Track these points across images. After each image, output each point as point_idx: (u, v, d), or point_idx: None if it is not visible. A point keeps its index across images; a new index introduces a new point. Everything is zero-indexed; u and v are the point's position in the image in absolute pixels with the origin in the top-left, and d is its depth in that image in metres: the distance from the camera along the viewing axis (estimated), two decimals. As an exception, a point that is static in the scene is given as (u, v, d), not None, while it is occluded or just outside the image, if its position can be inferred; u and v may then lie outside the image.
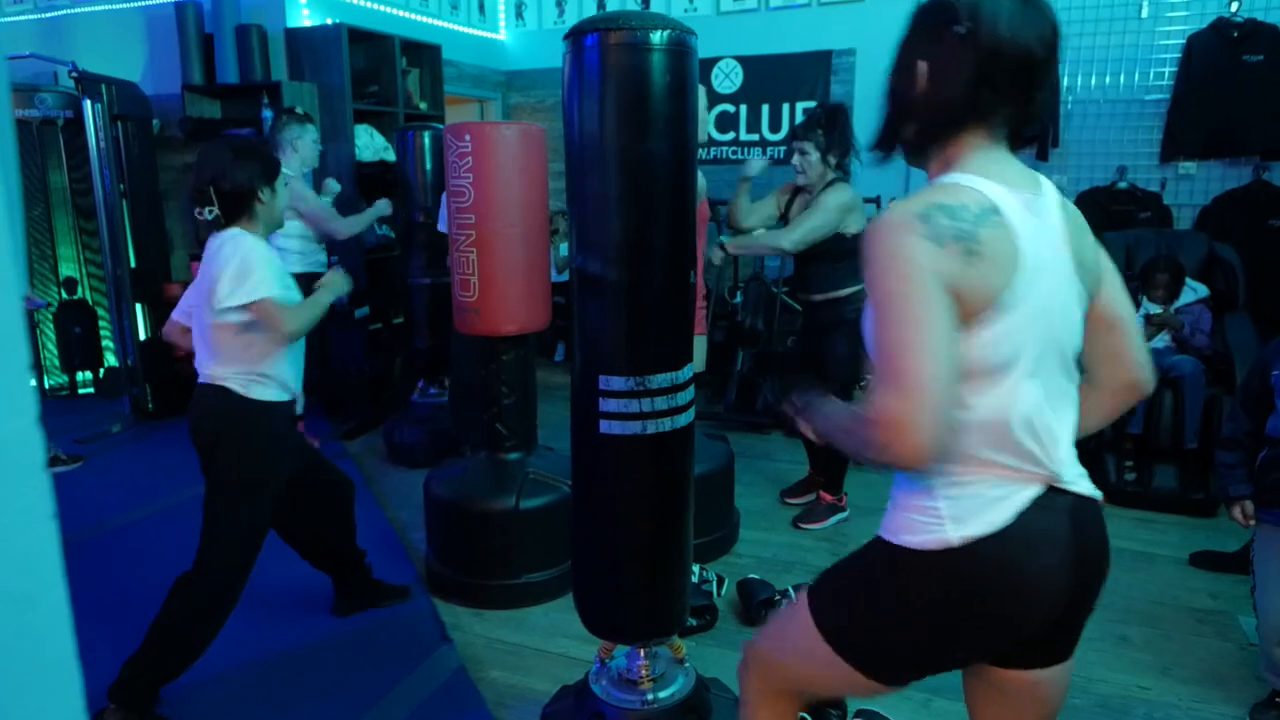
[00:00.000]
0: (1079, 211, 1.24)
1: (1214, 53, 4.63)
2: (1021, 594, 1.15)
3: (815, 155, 3.12)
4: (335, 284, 2.35)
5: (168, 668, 2.16)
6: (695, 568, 2.87)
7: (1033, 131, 4.96)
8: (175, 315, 2.30)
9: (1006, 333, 1.10)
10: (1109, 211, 4.84)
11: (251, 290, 2.05)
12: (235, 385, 2.16)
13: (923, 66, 1.14)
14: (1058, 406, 1.17)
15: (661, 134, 1.66)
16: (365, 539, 2.78)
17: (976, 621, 1.17)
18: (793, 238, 3.09)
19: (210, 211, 2.13)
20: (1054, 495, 1.16)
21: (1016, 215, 1.11)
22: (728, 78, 5.83)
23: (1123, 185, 4.91)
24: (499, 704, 2.32)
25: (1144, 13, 4.91)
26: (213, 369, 2.18)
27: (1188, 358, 3.68)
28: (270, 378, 2.20)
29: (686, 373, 1.78)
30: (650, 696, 1.90)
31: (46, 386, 5.22)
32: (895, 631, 1.21)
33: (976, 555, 1.13)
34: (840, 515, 3.45)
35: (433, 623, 2.70)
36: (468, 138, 2.53)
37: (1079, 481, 1.19)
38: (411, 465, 3.95)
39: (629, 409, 1.71)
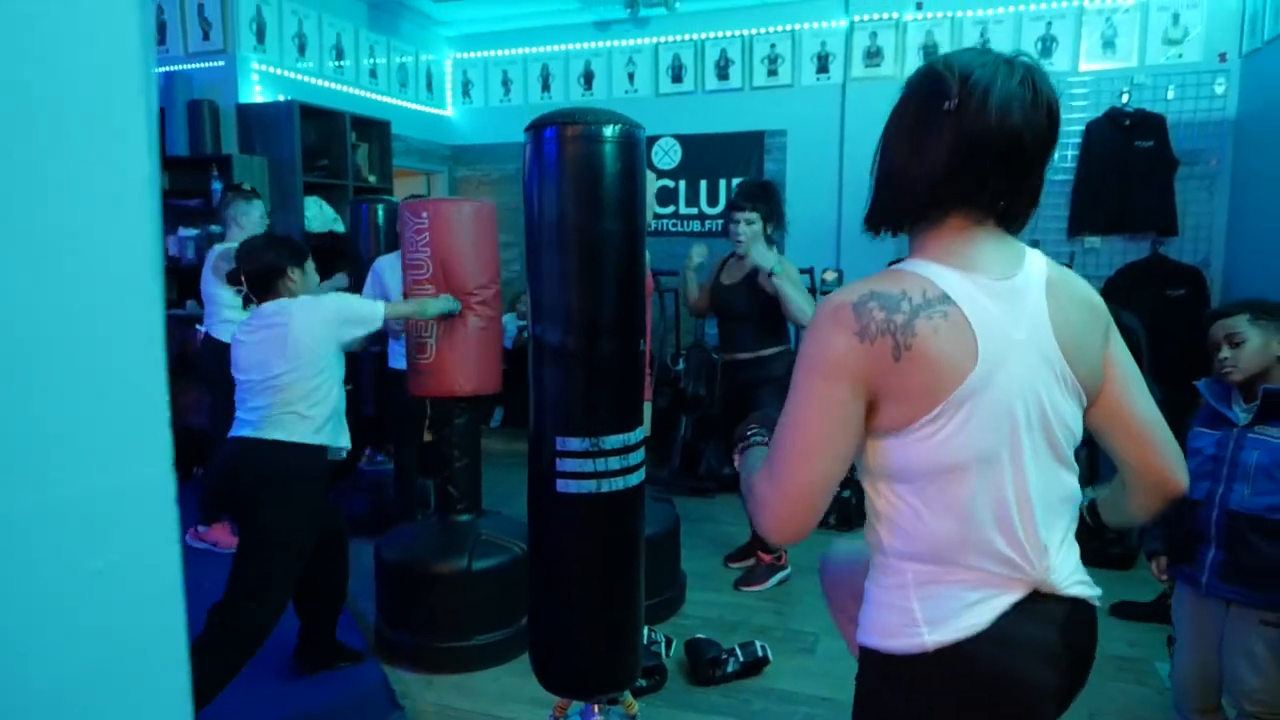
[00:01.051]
0: (1090, 295, 1.15)
1: (1109, 139, 5.04)
2: (1003, 703, 1.09)
3: (759, 224, 3.32)
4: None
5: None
6: (644, 629, 2.94)
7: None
8: None
9: (963, 428, 1.03)
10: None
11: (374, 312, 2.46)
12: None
13: (905, 140, 1.09)
14: (1044, 505, 1.09)
15: (613, 215, 1.82)
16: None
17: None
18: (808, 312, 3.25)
19: (240, 290, 2.49)
20: (1041, 601, 1.10)
21: (973, 302, 1.04)
22: (667, 154, 6.10)
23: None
24: (453, 771, 2.34)
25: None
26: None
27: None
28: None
29: (638, 434, 1.90)
30: (604, 751, 1.96)
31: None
32: None
33: (952, 661, 1.07)
34: (781, 573, 3.56)
35: (383, 690, 2.70)
36: (425, 214, 2.66)
37: (1073, 585, 1.13)
38: (357, 533, 3.93)
39: (584, 468, 1.82)
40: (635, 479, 1.89)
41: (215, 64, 4.75)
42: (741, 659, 2.78)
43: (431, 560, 2.78)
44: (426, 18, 6.08)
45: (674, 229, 6.11)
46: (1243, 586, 1.93)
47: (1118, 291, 5.02)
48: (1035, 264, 1.11)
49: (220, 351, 3.16)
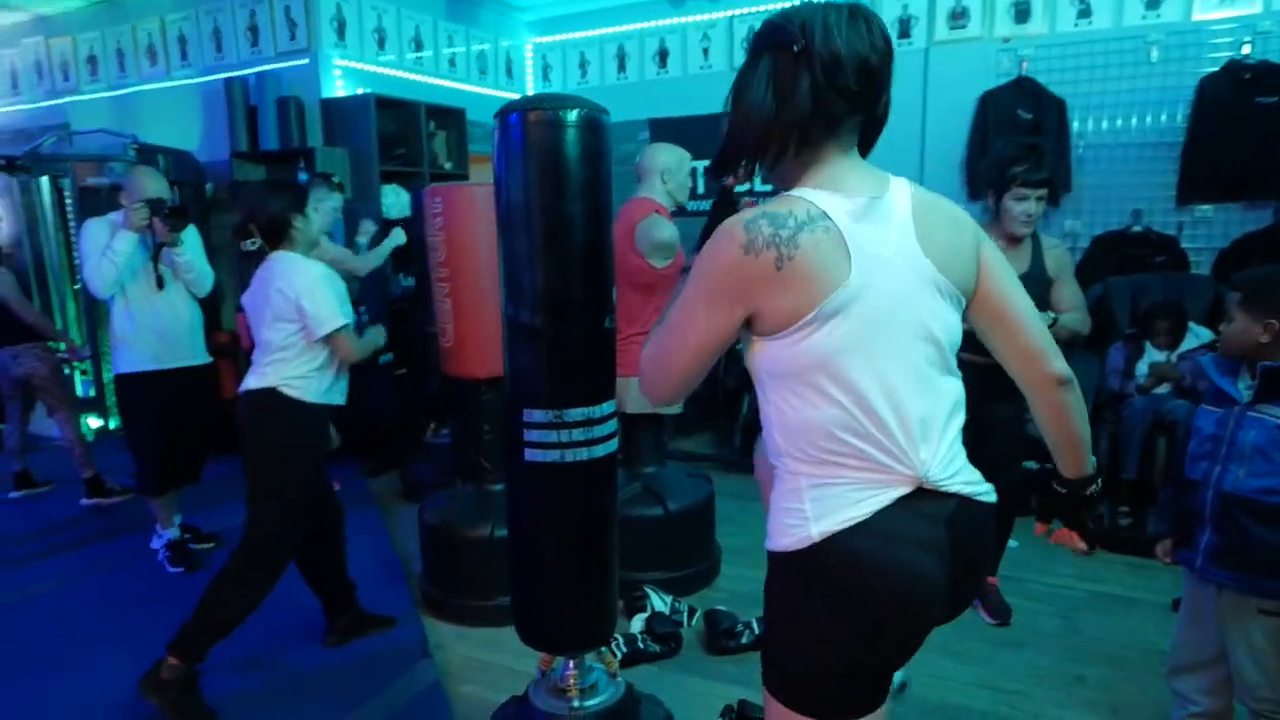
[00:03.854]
0: (954, 211, 1.27)
1: (1226, 95, 4.64)
2: (885, 591, 1.15)
3: None
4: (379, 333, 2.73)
5: (216, 636, 2.46)
6: (668, 598, 3.03)
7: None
8: None
9: (836, 333, 1.14)
10: (1123, 255, 4.84)
11: (325, 323, 2.46)
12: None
13: (763, 89, 1.18)
14: (924, 405, 1.19)
15: (576, 197, 1.89)
16: (373, 564, 3.03)
17: (854, 622, 1.17)
18: None
19: (253, 243, 2.55)
20: (925, 497, 1.19)
21: (847, 220, 1.16)
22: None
23: (1137, 229, 4.91)
24: (467, 716, 2.50)
25: (1154, 56, 4.97)
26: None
27: (1184, 402, 3.67)
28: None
29: (605, 408, 1.98)
30: (577, 704, 2.07)
31: (111, 427, 5.66)
32: (804, 648, 1.21)
33: (834, 550, 1.16)
34: None
35: (418, 640, 2.91)
36: (438, 200, 2.80)
37: (958, 484, 1.21)
38: (419, 501, 4.19)
39: (548, 439, 1.91)
40: (602, 450, 1.97)
41: (300, 62, 5.08)
42: (757, 631, 2.82)
43: (460, 525, 2.96)
44: (505, 4, 6.26)
45: (740, 206, 6.06)
46: (1234, 571, 1.83)
47: (1231, 264, 4.64)
48: (899, 187, 1.23)
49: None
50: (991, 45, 5.17)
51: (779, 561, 1.23)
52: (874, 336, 1.16)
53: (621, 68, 6.34)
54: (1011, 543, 3.73)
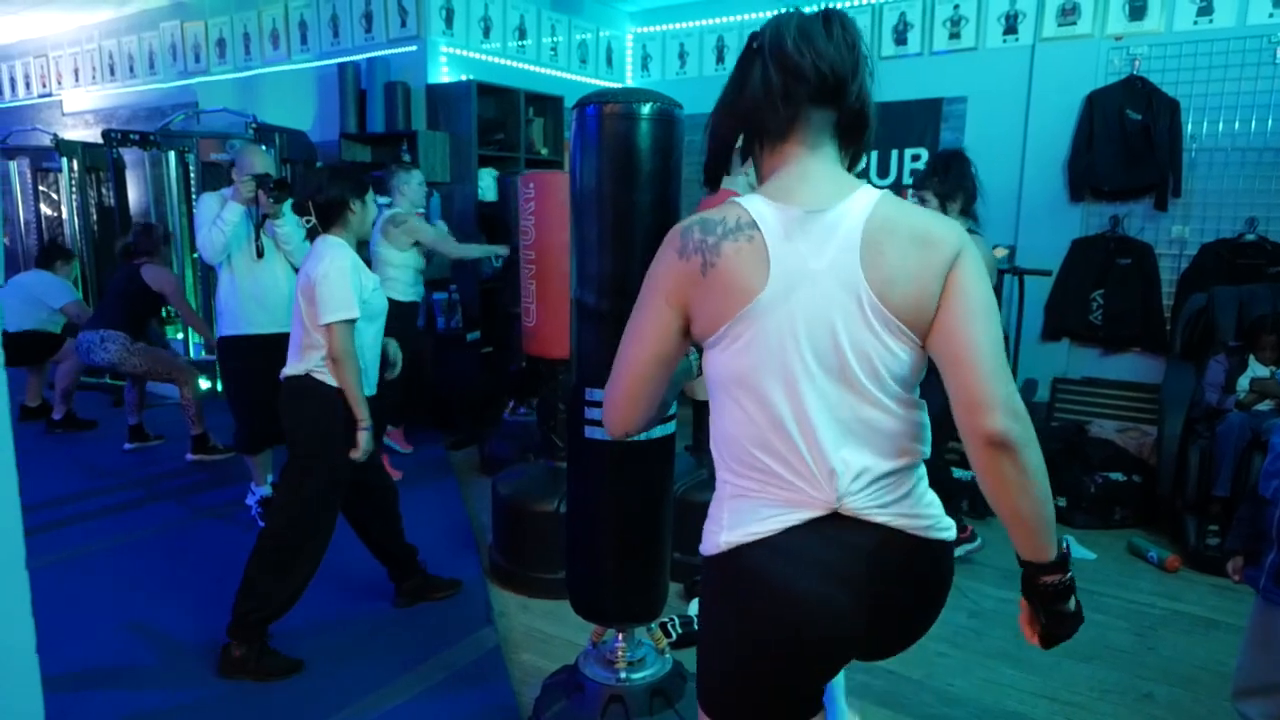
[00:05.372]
0: (926, 230, 1.14)
1: None
2: (770, 607, 1.14)
3: (935, 202, 3.21)
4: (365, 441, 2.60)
5: (265, 611, 2.56)
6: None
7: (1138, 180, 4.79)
8: None
9: (748, 345, 1.14)
10: (1233, 265, 4.62)
11: (328, 311, 2.48)
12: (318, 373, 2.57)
13: (730, 90, 1.23)
14: (832, 429, 1.14)
15: (644, 186, 1.96)
16: (446, 532, 3.18)
17: (739, 631, 1.17)
18: None
19: (308, 221, 2.61)
20: (842, 523, 1.15)
21: (777, 231, 1.13)
22: (837, 125, 6.00)
23: (1251, 237, 4.67)
24: (523, 681, 2.62)
25: (1279, 57, 4.70)
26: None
27: (1286, 419, 3.51)
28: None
29: (664, 392, 2.04)
30: (623, 675, 2.15)
31: (219, 389, 6.06)
32: (711, 655, 1.24)
33: (736, 560, 1.17)
34: (968, 545, 3.51)
35: (483, 607, 3.05)
36: (531, 185, 2.91)
37: (889, 516, 1.16)
38: (495, 475, 4.36)
39: (606, 418, 1.99)
40: (659, 431, 2.04)
41: (409, 49, 5.31)
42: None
43: (529, 499, 3.09)
44: (608, -5, 6.37)
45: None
46: (1299, 595, 1.77)
47: None
48: (861, 200, 1.15)
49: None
50: (1102, 43, 4.97)
51: (703, 568, 1.27)
52: (790, 353, 1.13)
53: (720, 59, 6.36)
54: (1090, 554, 3.64)
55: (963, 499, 3.95)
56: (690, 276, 1.16)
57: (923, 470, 1.23)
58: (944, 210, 3.19)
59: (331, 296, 2.47)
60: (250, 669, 2.54)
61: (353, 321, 2.52)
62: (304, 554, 2.59)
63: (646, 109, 1.93)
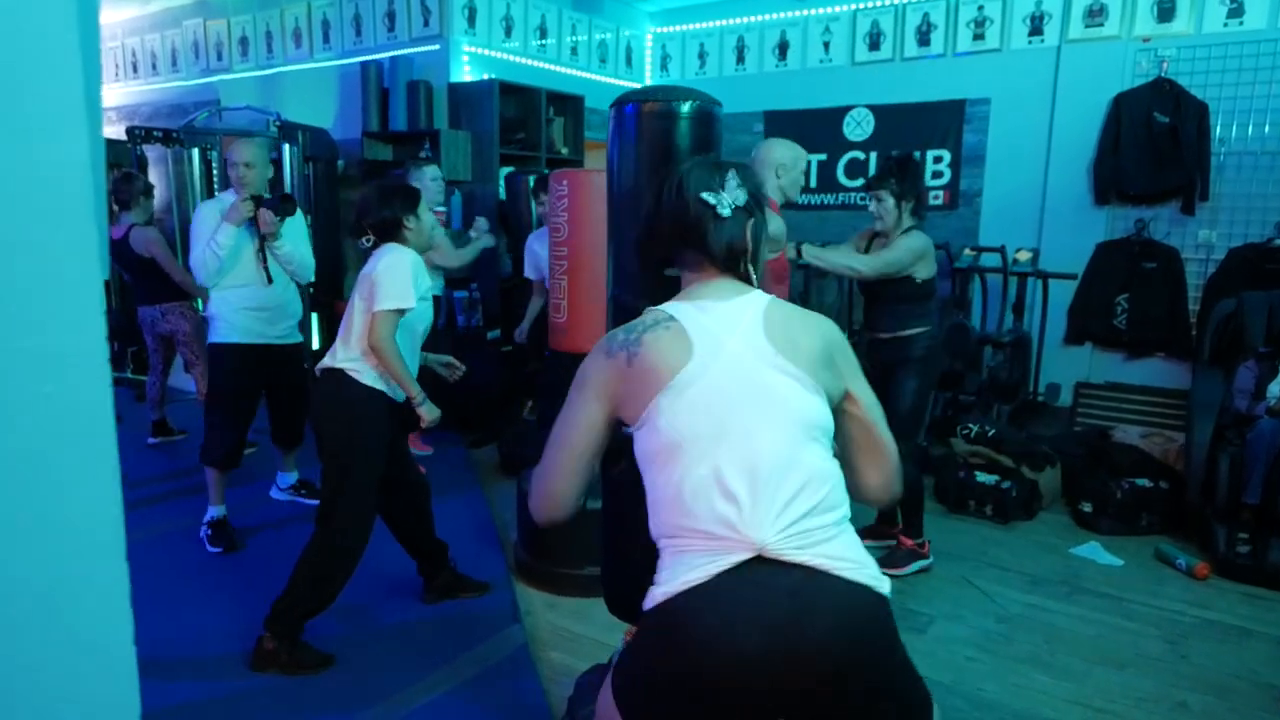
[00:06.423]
0: (821, 324, 1.41)
1: None
2: (698, 652, 1.18)
3: (891, 201, 3.30)
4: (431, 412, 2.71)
5: (307, 607, 2.59)
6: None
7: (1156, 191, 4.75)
8: None
9: (680, 411, 1.28)
10: (1260, 270, 4.58)
11: (385, 299, 2.50)
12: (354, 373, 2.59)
13: (650, 213, 1.49)
14: (766, 474, 1.24)
15: (684, 185, 1.94)
16: (470, 531, 3.19)
17: (673, 685, 1.21)
18: (870, 264, 3.28)
19: (368, 240, 2.65)
20: (764, 565, 1.21)
21: (692, 318, 1.35)
22: (859, 125, 5.99)
23: (1279, 243, 4.64)
24: (552, 679, 2.62)
25: (1310, 59, 4.66)
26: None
27: (1316, 427, 3.47)
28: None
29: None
30: (656, 676, 2.14)
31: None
32: (639, 707, 1.28)
33: (665, 609, 1.24)
34: (922, 562, 3.43)
35: (510, 606, 3.05)
36: (565, 183, 2.91)
37: (809, 556, 1.21)
38: (515, 474, 4.36)
39: (642, 418, 1.98)
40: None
41: (432, 48, 5.32)
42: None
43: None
44: (629, -6, 6.37)
45: (862, 202, 6.00)
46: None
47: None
48: (756, 298, 1.40)
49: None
50: (1130, 45, 4.94)
51: (639, 621, 1.33)
52: (721, 410, 1.27)
53: (740, 59, 6.35)
54: (1117, 561, 3.60)
55: (986, 504, 3.92)
56: (618, 370, 1.34)
57: (847, 513, 1.33)
58: (898, 209, 3.29)
59: (391, 284, 2.51)
60: (282, 662, 2.55)
61: (403, 312, 2.54)
62: (353, 554, 2.61)
63: (686, 107, 1.92)
